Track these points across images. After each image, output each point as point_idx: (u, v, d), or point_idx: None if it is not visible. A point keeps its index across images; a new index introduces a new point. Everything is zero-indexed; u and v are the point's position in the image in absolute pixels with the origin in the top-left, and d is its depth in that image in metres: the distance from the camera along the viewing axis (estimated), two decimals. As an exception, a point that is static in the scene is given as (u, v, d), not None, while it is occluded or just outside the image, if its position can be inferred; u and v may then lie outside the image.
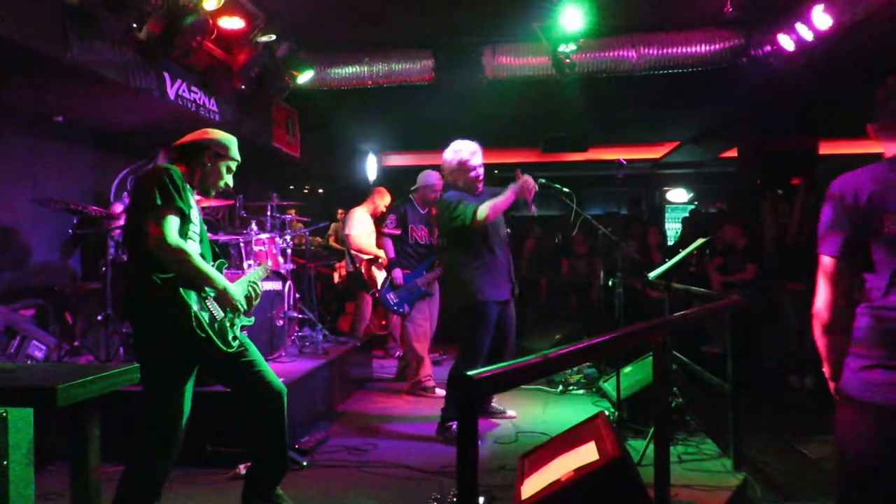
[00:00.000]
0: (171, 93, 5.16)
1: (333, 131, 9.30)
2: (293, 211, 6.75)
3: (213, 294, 2.68)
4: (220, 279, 2.68)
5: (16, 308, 4.57)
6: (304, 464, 3.71)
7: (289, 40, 5.92)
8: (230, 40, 5.65)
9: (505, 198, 4.13)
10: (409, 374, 5.70)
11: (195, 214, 2.70)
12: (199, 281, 2.61)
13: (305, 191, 10.20)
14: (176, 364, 2.61)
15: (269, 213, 5.86)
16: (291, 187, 9.66)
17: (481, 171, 4.38)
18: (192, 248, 2.64)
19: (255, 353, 2.87)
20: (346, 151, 10.43)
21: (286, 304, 5.29)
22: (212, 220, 6.02)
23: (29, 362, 4.21)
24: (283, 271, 5.39)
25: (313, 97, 7.40)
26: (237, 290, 2.76)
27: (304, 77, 6.35)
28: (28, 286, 5.09)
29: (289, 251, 5.82)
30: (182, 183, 2.61)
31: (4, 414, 1.70)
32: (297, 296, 5.72)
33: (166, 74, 5.09)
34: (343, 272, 8.02)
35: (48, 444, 2.41)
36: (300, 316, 5.67)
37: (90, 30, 4.22)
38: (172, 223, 2.52)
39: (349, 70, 6.69)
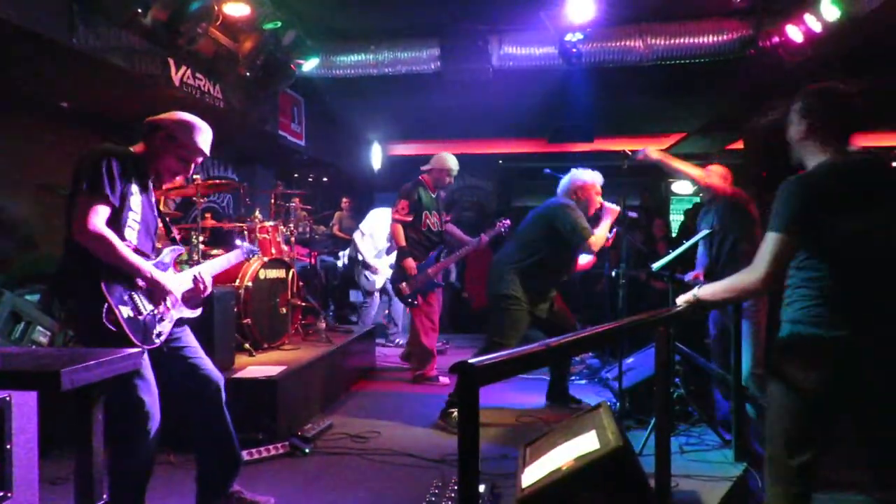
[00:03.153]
0: (176, 79, 5.16)
1: (339, 120, 9.29)
2: (297, 199, 6.75)
3: (141, 284, 2.55)
4: (147, 269, 2.53)
5: (21, 293, 4.58)
6: (307, 451, 3.73)
7: (294, 28, 5.90)
8: (236, 27, 5.64)
9: (606, 230, 4.41)
10: (413, 365, 5.69)
11: (136, 202, 2.56)
12: (125, 269, 2.48)
13: (310, 179, 10.18)
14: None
15: (273, 200, 5.86)
16: (296, 175, 9.64)
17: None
18: (130, 236, 2.52)
19: (190, 342, 2.78)
20: (351, 140, 10.42)
21: (290, 292, 5.31)
22: (217, 208, 6.02)
23: (33, 347, 4.23)
24: (286, 259, 5.40)
25: (319, 85, 7.39)
26: (170, 280, 2.63)
27: (310, 65, 6.33)
28: (33, 272, 5.11)
29: (293, 239, 5.83)
30: (121, 168, 2.48)
31: (9, 398, 1.71)
32: (301, 284, 5.73)
33: (171, 61, 5.08)
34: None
35: (52, 429, 2.42)
36: (304, 304, 5.69)
37: (96, 15, 4.22)
38: (97, 211, 2.40)
39: (355, 58, 6.67)
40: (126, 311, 2.46)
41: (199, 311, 2.84)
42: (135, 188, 2.56)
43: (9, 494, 1.70)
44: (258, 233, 5.28)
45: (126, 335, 2.43)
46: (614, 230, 4.58)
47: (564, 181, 4.62)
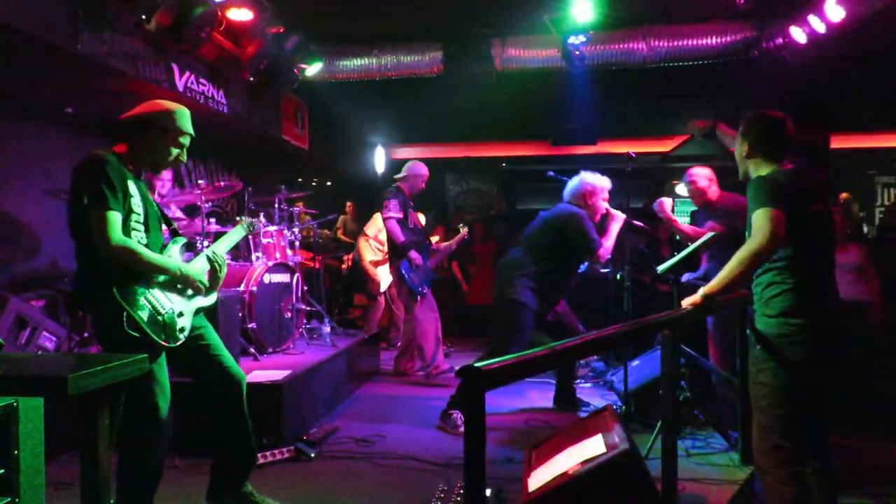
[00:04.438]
0: (180, 84, 5.17)
1: (342, 123, 9.30)
2: (301, 203, 6.77)
3: (161, 281, 2.57)
4: (174, 265, 2.60)
5: (26, 299, 4.60)
6: (313, 455, 3.73)
7: (297, 32, 5.91)
8: (239, 32, 5.66)
9: (613, 238, 4.42)
10: (421, 363, 5.75)
11: (137, 203, 2.56)
12: (154, 272, 2.53)
13: (314, 183, 10.20)
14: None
15: (277, 205, 5.87)
16: (300, 179, 9.67)
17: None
18: (136, 237, 2.53)
19: (213, 337, 2.80)
20: (354, 144, 10.43)
21: (294, 296, 5.31)
22: (220, 212, 6.03)
23: (39, 352, 4.24)
24: (291, 263, 5.40)
25: (322, 89, 7.40)
26: (195, 269, 2.69)
27: (313, 69, 6.34)
28: (38, 277, 5.13)
29: (297, 243, 5.84)
30: (119, 172, 2.49)
31: (15, 403, 1.71)
32: (306, 288, 5.74)
33: (175, 66, 5.09)
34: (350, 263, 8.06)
35: (59, 434, 2.42)
36: (308, 308, 5.69)
37: (100, 21, 4.24)
38: (113, 222, 2.42)
39: (358, 62, 6.68)
40: (145, 315, 2.47)
41: (215, 297, 2.86)
42: (133, 189, 2.56)
43: (16, 500, 1.70)
44: (262, 237, 5.29)
45: (150, 338, 2.46)
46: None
47: (573, 184, 4.56)
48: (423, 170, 5.76)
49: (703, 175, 4.30)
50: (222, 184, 5.08)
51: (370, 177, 10.64)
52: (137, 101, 5.47)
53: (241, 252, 5.43)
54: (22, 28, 3.67)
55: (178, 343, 2.60)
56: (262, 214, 5.54)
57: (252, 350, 4.67)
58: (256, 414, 3.78)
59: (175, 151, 2.71)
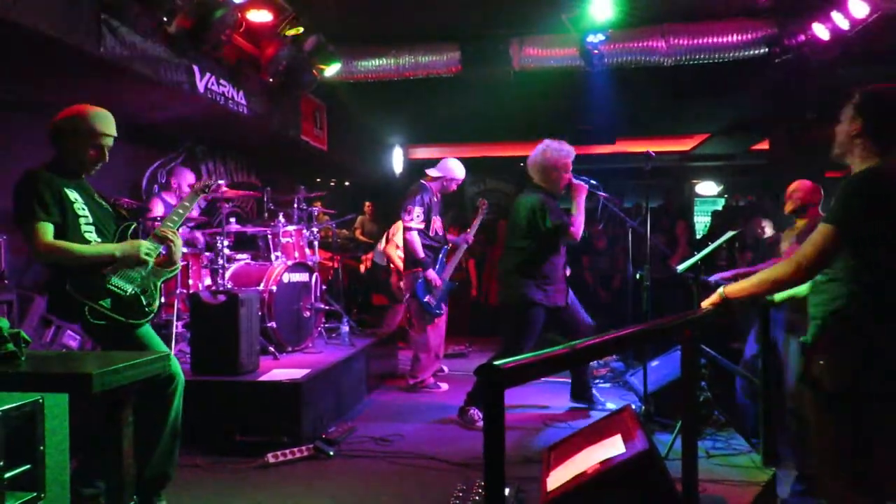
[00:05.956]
0: (201, 86, 5.21)
1: (360, 124, 9.34)
2: (320, 203, 6.79)
3: (113, 274, 2.69)
4: (109, 250, 2.70)
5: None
6: (332, 454, 3.75)
7: (316, 33, 5.94)
8: (258, 34, 5.70)
9: (582, 211, 4.35)
10: (411, 371, 5.54)
11: (81, 206, 2.72)
12: (94, 263, 2.65)
13: (332, 183, 10.25)
14: (113, 344, 2.67)
15: (296, 205, 5.91)
16: (318, 180, 9.71)
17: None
18: (90, 238, 2.69)
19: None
20: (372, 144, 10.47)
21: (313, 296, 5.34)
22: (240, 213, 6.08)
23: (64, 350, 4.31)
24: (310, 263, 5.44)
25: (340, 90, 7.44)
26: (136, 247, 2.76)
27: (332, 70, 6.37)
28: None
29: (315, 243, 5.87)
30: (51, 184, 2.63)
31: (41, 400, 1.74)
32: (324, 287, 5.76)
33: (196, 68, 5.14)
34: (368, 264, 8.08)
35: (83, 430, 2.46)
36: (327, 307, 5.72)
37: (122, 24, 4.29)
38: (40, 232, 2.56)
39: (376, 63, 6.70)
40: (108, 302, 2.61)
41: (179, 266, 3.00)
42: (73, 195, 2.70)
43: (41, 495, 1.73)
44: (281, 237, 5.33)
45: (118, 321, 2.61)
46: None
47: (532, 159, 4.53)
48: (460, 172, 5.43)
49: (808, 189, 4.24)
50: (240, 180, 5.12)
51: (388, 177, 10.67)
52: (159, 103, 5.53)
53: (260, 252, 5.48)
54: (45, 32, 3.72)
55: (150, 317, 2.76)
56: (281, 214, 5.57)
57: (271, 349, 4.70)
58: (276, 412, 3.84)
59: (97, 154, 2.80)
